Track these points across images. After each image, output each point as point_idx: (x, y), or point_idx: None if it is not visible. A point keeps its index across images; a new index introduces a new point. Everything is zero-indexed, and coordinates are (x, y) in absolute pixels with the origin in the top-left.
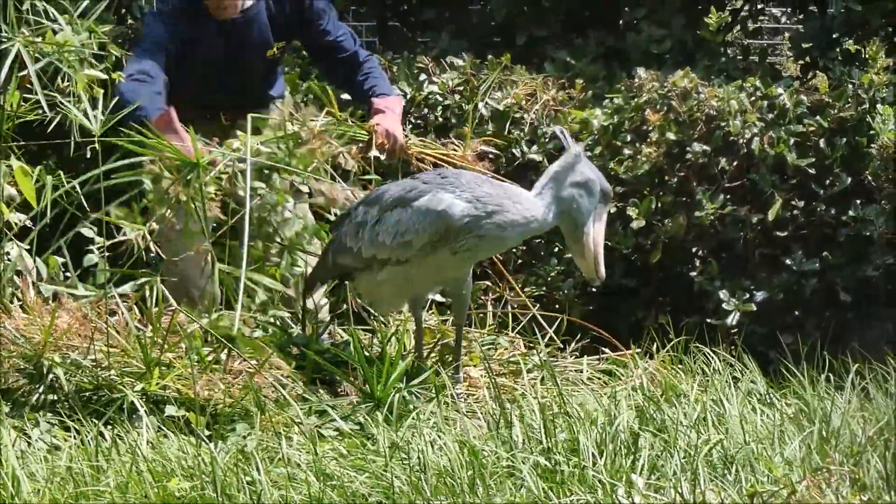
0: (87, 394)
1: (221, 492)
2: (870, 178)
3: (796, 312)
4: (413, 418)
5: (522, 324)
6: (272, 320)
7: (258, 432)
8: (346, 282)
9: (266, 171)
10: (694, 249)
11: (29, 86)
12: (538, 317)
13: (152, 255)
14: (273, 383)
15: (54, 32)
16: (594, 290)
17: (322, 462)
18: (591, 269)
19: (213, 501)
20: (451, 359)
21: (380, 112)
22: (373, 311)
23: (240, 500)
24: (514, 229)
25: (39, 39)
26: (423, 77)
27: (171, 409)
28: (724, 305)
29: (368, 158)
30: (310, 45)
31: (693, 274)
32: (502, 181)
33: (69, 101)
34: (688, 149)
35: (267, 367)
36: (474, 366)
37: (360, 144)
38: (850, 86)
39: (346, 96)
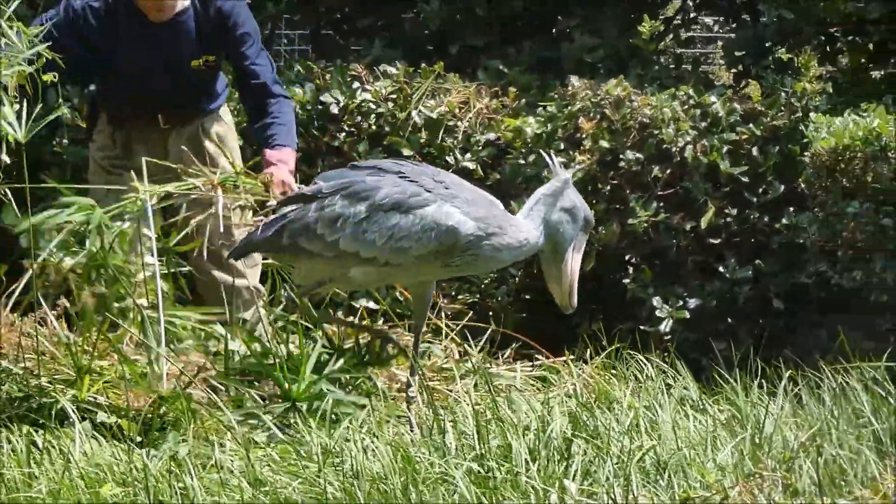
0: (18, 401)
1: (154, 498)
2: (803, 185)
3: (729, 319)
4: (346, 424)
5: (455, 331)
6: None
7: (190, 438)
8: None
9: None
10: (627, 257)
11: None
12: (470, 325)
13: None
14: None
15: None
16: (527, 297)
17: (255, 468)
18: (564, 296)
19: None
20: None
21: (272, 164)
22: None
23: None
24: (510, 252)
25: None
26: (356, 85)
27: (102, 416)
28: (657, 312)
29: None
30: (232, 65)
31: (626, 281)
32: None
33: None
34: (621, 157)
35: (195, 369)
36: (401, 367)
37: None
38: (783, 94)
39: None
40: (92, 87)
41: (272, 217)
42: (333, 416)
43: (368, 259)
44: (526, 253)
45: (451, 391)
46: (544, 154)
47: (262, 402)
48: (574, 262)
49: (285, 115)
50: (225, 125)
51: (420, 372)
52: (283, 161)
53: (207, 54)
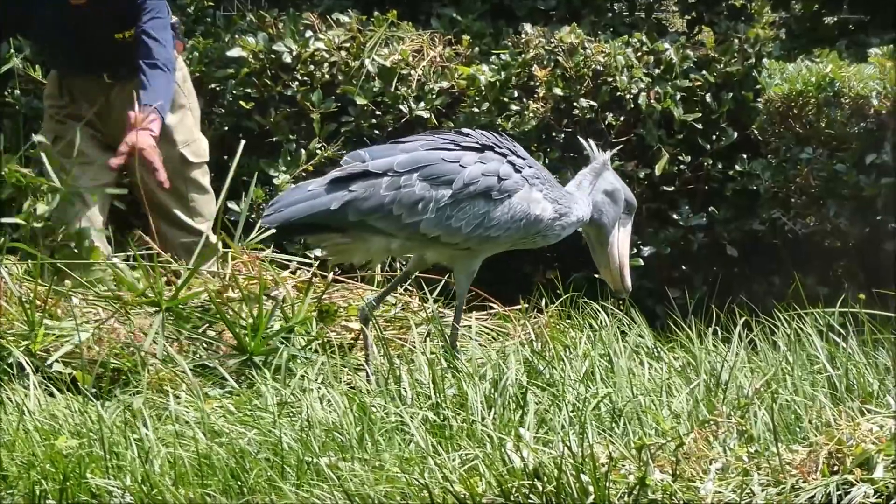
0: None
1: (109, 449)
2: (756, 132)
3: (683, 267)
4: (301, 374)
5: (409, 280)
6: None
7: (145, 390)
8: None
9: None
10: None
11: None
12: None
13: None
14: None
15: None
16: None
17: (210, 419)
18: (616, 279)
19: (101, 459)
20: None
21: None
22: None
23: (128, 457)
24: (568, 230)
25: None
26: (308, 34)
27: (58, 366)
28: None
29: None
30: None
31: (580, 229)
32: None
33: None
34: (575, 104)
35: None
36: (355, 318)
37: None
38: (737, 40)
39: None
40: None
41: (321, 188)
42: (289, 370)
43: (448, 243)
44: (576, 229)
45: (406, 341)
46: (581, 140)
47: (218, 357)
48: (621, 244)
49: (159, 80)
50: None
51: (374, 322)
52: (145, 128)
53: (128, 28)
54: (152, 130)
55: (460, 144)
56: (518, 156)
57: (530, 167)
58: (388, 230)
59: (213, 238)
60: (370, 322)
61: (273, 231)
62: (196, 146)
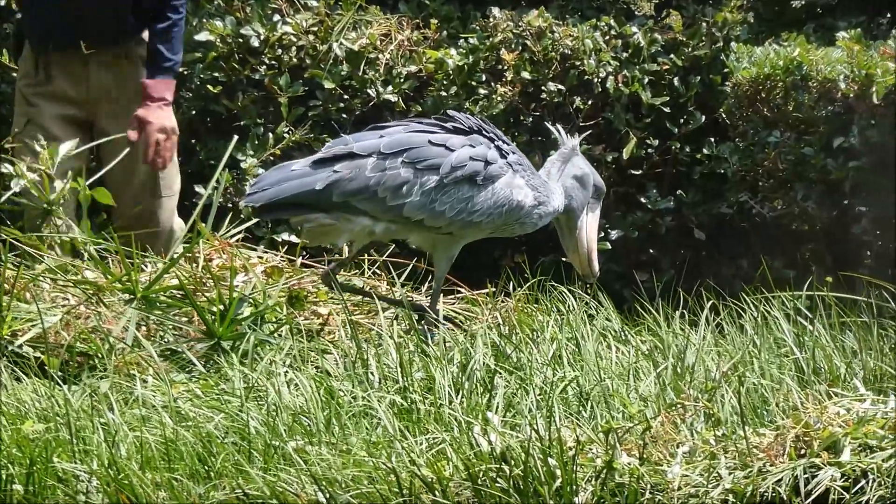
0: None
1: (76, 434)
2: (724, 116)
3: (651, 250)
4: (269, 358)
5: (377, 264)
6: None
7: (112, 374)
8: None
9: None
10: None
11: None
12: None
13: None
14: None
15: None
16: None
17: (177, 403)
18: (584, 264)
19: (68, 443)
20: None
21: (148, 101)
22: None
23: (94, 441)
24: (545, 219)
25: None
26: (276, 18)
27: (27, 348)
28: None
29: None
30: None
31: None
32: None
33: None
34: (543, 88)
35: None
36: (324, 303)
37: None
38: (704, 24)
39: None
40: (18, 16)
41: (306, 167)
42: (258, 355)
43: (431, 227)
44: (550, 219)
45: (374, 324)
46: (549, 125)
47: (187, 340)
48: (589, 228)
49: (175, 33)
50: None
51: (343, 305)
52: (161, 101)
53: None
54: (166, 100)
55: (446, 127)
56: (503, 141)
57: (513, 153)
58: (371, 212)
59: (179, 223)
60: (332, 284)
61: (254, 210)
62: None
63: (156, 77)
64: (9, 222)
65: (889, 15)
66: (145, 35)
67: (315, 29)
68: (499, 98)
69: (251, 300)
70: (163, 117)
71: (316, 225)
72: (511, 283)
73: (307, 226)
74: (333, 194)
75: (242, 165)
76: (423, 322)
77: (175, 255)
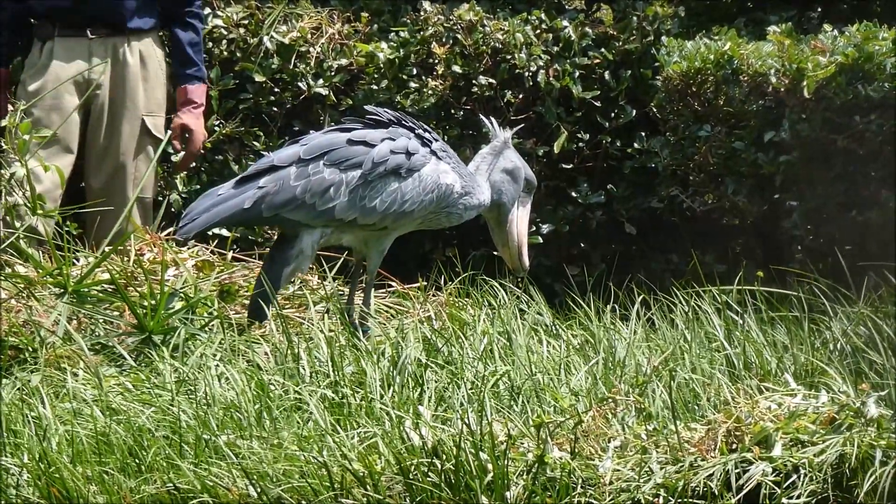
0: None
1: (6, 427)
2: (654, 110)
3: (582, 244)
4: (200, 352)
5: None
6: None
7: (43, 367)
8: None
9: None
10: None
11: None
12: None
13: None
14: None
15: None
16: None
17: (108, 397)
18: (514, 258)
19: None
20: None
21: (186, 105)
22: None
23: (25, 435)
24: (470, 212)
25: None
26: (207, 11)
27: None
28: None
29: None
30: None
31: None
32: None
33: None
34: (474, 82)
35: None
36: None
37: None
38: (635, 18)
39: None
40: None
41: (230, 189)
42: (188, 349)
43: (365, 225)
44: (476, 213)
45: (304, 318)
46: (483, 118)
47: (117, 333)
48: (520, 222)
49: (199, 35)
50: (153, 56)
51: (274, 300)
52: (198, 105)
53: None
54: (203, 105)
55: (365, 122)
56: (425, 129)
57: (436, 140)
58: (304, 220)
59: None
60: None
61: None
62: (160, 121)
63: (193, 83)
64: None
65: (819, 9)
66: (151, 41)
67: (246, 22)
68: (430, 92)
69: (182, 294)
70: (202, 124)
71: (286, 278)
72: (442, 277)
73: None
74: (263, 210)
75: (173, 159)
76: (354, 317)
77: (106, 250)
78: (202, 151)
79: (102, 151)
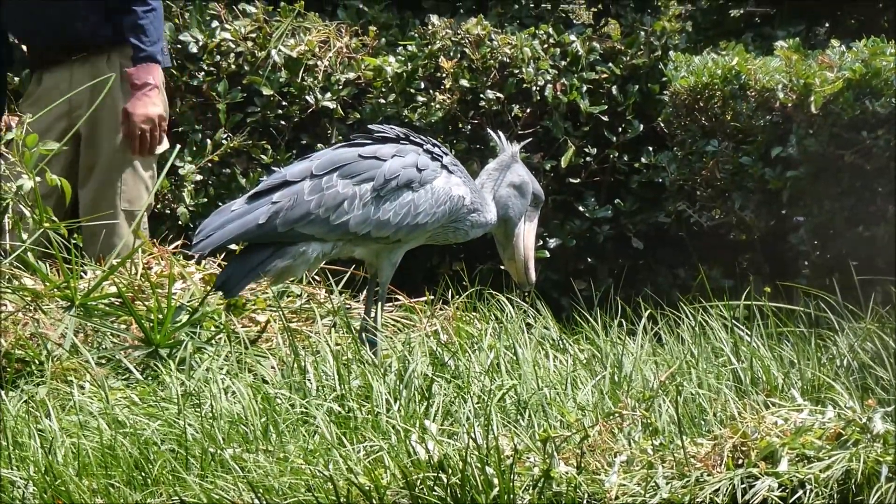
0: None
1: (12, 440)
2: (662, 124)
3: (589, 259)
4: (206, 365)
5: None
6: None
7: (49, 380)
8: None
9: None
10: None
11: None
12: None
13: None
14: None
15: None
16: None
17: (114, 410)
18: (521, 272)
19: (4, 449)
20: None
21: (134, 90)
22: None
23: (31, 447)
24: (477, 230)
25: None
26: (215, 24)
27: None
28: None
29: None
30: None
31: None
32: None
33: None
34: (481, 96)
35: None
36: (261, 310)
37: None
38: (643, 33)
39: None
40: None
41: (244, 205)
42: (194, 362)
43: (379, 237)
44: (482, 232)
45: (311, 332)
46: (490, 132)
47: (123, 347)
48: (527, 237)
49: (146, 23)
50: None
51: (281, 313)
52: (139, 86)
53: None
54: (150, 84)
55: (374, 138)
56: (434, 144)
57: (446, 155)
58: (318, 235)
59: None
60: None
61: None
62: None
63: (131, 66)
64: None
65: (827, 24)
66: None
67: (254, 35)
68: (437, 106)
69: (189, 308)
70: (148, 104)
71: (275, 269)
72: (449, 291)
73: (268, 274)
74: (278, 225)
75: (181, 172)
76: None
77: (115, 263)
78: (153, 133)
79: (89, 167)
